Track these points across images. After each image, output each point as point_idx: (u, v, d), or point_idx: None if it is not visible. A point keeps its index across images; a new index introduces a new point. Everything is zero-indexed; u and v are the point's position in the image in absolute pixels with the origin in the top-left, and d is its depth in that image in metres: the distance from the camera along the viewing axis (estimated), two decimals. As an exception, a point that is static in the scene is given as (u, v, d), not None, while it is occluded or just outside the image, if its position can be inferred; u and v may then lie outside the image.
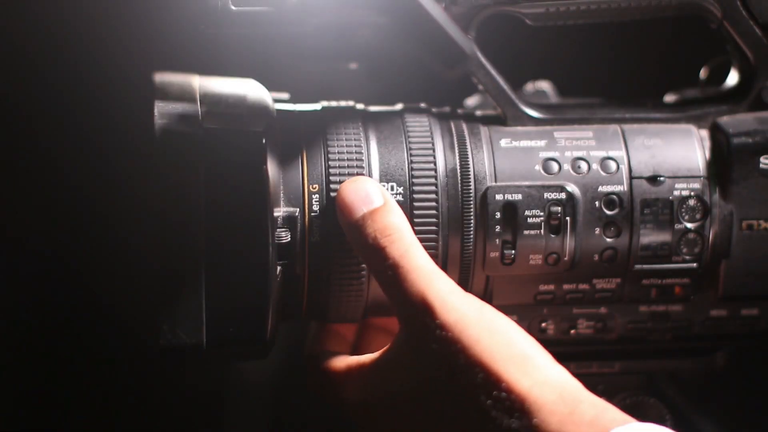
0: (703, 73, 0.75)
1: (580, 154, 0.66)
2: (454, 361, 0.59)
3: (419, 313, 0.60)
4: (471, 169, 0.66)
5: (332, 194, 0.64)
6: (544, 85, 0.76)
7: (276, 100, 0.68)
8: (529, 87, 0.76)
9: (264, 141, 0.61)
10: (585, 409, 0.56)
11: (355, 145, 0.65)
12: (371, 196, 0.63)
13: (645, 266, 0.66)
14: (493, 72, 0.67)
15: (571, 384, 0.58)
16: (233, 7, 0.62)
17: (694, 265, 0.67)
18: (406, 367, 0.61)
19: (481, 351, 0.58)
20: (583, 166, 0.66)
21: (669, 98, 0.75)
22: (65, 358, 0.90)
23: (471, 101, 0.77)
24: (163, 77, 0.66)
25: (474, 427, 0.58)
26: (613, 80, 0.93)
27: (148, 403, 0.90)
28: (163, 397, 0.90)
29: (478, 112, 0.70)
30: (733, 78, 0.72)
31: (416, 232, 0.64)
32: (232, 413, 0.94)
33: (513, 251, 0.65)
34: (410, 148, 0.66)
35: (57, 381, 0.90)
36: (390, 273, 0.61)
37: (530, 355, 0.59)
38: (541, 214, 0.65)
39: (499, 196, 0.65)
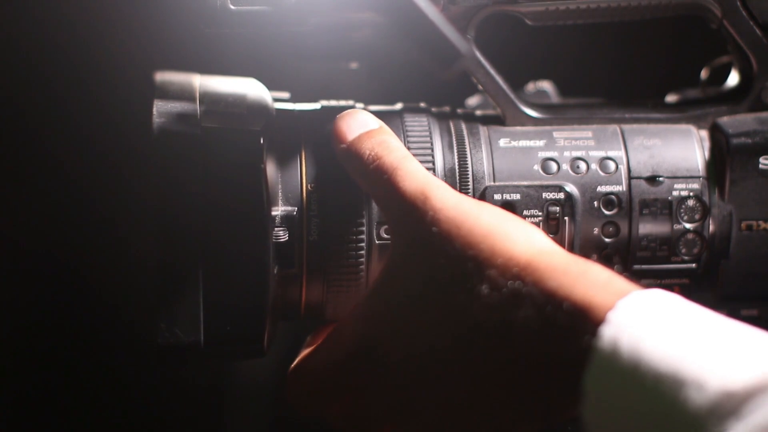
0: (704, 74, 0.75)
1: (579, 154, 0.66)
2: (456, 237, 0.57)
3: (418, 203, 0.59)
4: (469, 169, 0.66)
5: (330, 193, 0.64)
6: (546, 85, 0.76)
7: (276, 100, 0.68)
8: (531, 87, 0.76)
9: (262, 140, 0.61)
10: (598, 271, 0.55)
11: None
12: (367, 121, 0.64)
13: (644, 266, 0.66)
14: (492, 72, 0.67)
15: (574, 255, 0.57)
16: (232, 7, 0.62)
17: (693, 265, 0.67)
18: (408, 264, 0.59)
19: (484, 224, 0.58)
20: (582, 166, 0.66)
21: (670, 98, 0.74)
22: (64, 357, 0.90)
23: (472, 101, 0.77)
24: (163, 76, 0.66)
25: (485, 302, 0.56)
26: (614, 80, 0.93)
27: (148, 402, 0.90)
28: (163, 396, 0.90)
29: (478, 112, 0.70)
30: (733, 78, 0.72)
31: None
32: (232, 413, 0.94)
33: None
34: (409, 148, 0.66)
35: (55, 379, 0.90)
36: (386, 177, 0.61)
37: (531, 230, 0.59)
38: (540, 214, 0.65)
39: (497, 196, 0.65)
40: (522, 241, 0.57)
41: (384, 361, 0.60)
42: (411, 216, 0.60)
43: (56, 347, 0.89)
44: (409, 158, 0.62)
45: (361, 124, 0.64)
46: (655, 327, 0.50)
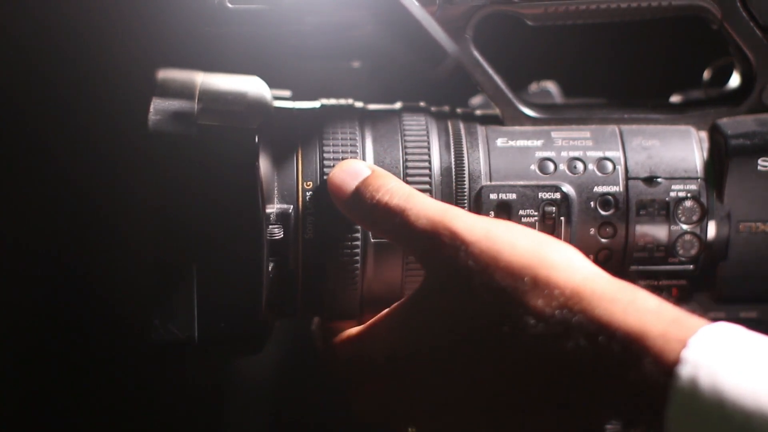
0: (706, 75, 0.75)
1: (576, 154, 0.66)
2: (495, 270, 0.57)
3: (443, 242, 0.58)
4: (466, 168, 0.66)
5: (326, 191, 0.64)
6: (549, 86, 0.76)
7: (276, 98, 0.69)
8: (534, 87, 0.76)
9: (257, 138, 0.62)
10: (645, 297, 0.55)
11: (351, 143, 0.66)
12: (359, 171, 0.63)
13: (641, 267, 0.66)
14: (491, 71, 0.67)
15: (618, 279, 0.56)
16: (230, 5, 0.62)
17: (691, 266, 0.66)
18: (443, 296, 0.59)
19: (521, 254, 0.57)
20: (579, 166, 0.66)
21: (674, 99, 0.74)
22: (58, 354, 0.90)
23: (475, 101, 0.77)
24: (166, 74, 0.67)
25: (531, 333, 0.55)
26: (616, 81, 0.92)
27: (146, 400, 0.90)
28: (162, 394, 0.90)
29: (478, 112, 0.70)
30: (734, 79, 0.71)
31: None
32: (232, 411, 0.94)
33: None
34: (405, 147, 0.66)
35: (49, 377, 0.91)
36: (398, 221, 0.60)
37: (570, 255, 0.58)
38: (536, 213, 0.65)
39: (493, 196, 0.65)
40: (564, 268, 0.57)
41: (416, 371, 0.60)
42: (440, 252, 0.59)
43: (50, 344, 0.89)
44: (414, 194, 0.61)
45: (353, 175, 0.63)
46: (732, 363, 0.50)
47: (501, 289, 0.57)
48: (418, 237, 0.60)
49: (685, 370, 0.51)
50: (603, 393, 0.54)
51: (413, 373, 0.60)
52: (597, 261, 0.66)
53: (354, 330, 0.64)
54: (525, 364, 0.56)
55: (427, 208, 0.60)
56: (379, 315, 0.63)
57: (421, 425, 0.61)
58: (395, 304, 0.62)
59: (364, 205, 0.62)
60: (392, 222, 0.61)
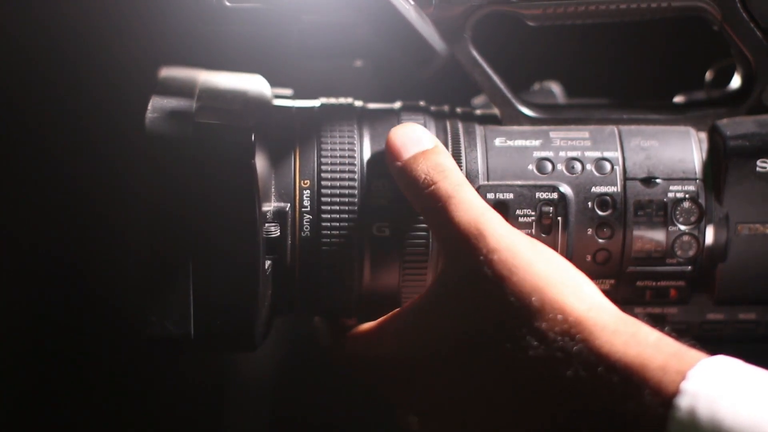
0: (708, 76, 0.75)
1: (574, 154, 0.66)
2: (507, 285, 0.57)
3: (471, 239, 0.59)
4: (463, 168, 0.66)
5: (323, 190, 0.65)
6: (553, 86, 0.76)
7: (277, 96, 0.69)
8: (537, 87, 0.76)
9: (253, 136, 0.62)
10: (647, 331, 0.55)
11: (348, 142, 0.66)
12: (422, 139, 0.64)
13: (639, 268, 0.66)
14: (489, 71, 0.67)
15: (622, 312, 0.57)
16: (228, 4, 0.63)
17: (689, 268, 0.66)
18: (455, 298, 0.59)
19: (535, 274, 0.57)
20: (577, 166, 0.66)
21: (677, 100, 0.74)
22: (54, 350, 0.91)
23: (478, 101, 0.77)
24: (168, 72, 0.67)
25: (532, 354, 0.56)
26: (618, 81, 0.92)
27: (145, 398, 0.91)
28: (161, 393, 0.90)
29: (477, 112, 0.70)
30: (735, 81, 0.71)
31: (407, 231, 0.64)
32: (231, 409, 0.94)
33: None
34: None
35: (45, 373, 0.91)
36: (441, 205, 0.61)
37: (581, 283, 0.59)
38: (533, 213, 0.65)
39: (490, 195, 0.65)
40: (573, 295, 0.57)
41: (423, 371, 0.60)
42: (463, 251, 0.59)
43: (46, 341, 0.90)
44: (465, 185, 0.62)
45: (415, 142, 0.64)
46: (731, 394, 0.51)
47: (509, 304, 0.57)
48: (450, 228, 0.60)
49: (684, 401, 0.51)
50: (601, 423, 0.54)
51: (418, 373, 0.61)
52: (595, 261, 0.66)
53: (366, 326, 0.65)
54: (524, 384, 0.57)
55: (470, 203, 0.61)
56: (391, 312, 0.63)
57: (421, 419, 0.62)
58: (409, 301, 0.63)
59: (415, 176, 0.62)
60: (435, 205, 0.61)
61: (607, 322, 0.56)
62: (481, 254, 0.58)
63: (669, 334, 0.56)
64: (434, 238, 0.64)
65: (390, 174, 0.65)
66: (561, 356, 0.55)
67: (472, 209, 0.60)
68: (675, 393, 0.52)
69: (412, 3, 0.57)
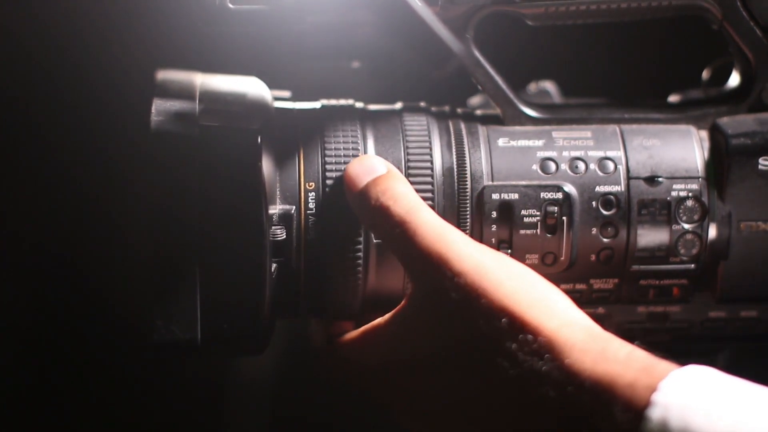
0: (705, 74, 0.75)
1: (577, 154, 0.66)
2: (476, 307, 0.57)
3: (434, 265, 0.59)
4: (468, 169, 0.66)
5: (328, 192, 0.64)
6: (548, 85, 0.76)
7: (277, 98, 0.69)
8: (533, 87, 0.76)
9: (259, 139, 0.62)
10: (617, 347, 0.55)
11: (352, 144, 0.66)
12: (374, 167, 0.63)
13: (642, 267, 0.66)
14: (492, 71, 0.67)
15: (595, 325, 0.57)
16: (231, 6, 0.62)
17: (692, 266, 0.66)
18: (425, 320, 0.59)
19: (503, 295, 0.57)
20: (581, 166, 0.66)
21: (673, 99, 0.74)
22: (60, 353, 0.90)
23: (474, 101, 0.77)
24: (165, 74, 0.67)
25: (502, 375, 0.56)
26: (616, 81, 0.92)
27: (147, 400, 0.90)
28: (162, 394, 0.90)
29: (478, 112, 0.70)
30: (734, 79, 0.71)
31: None
32: (232, 409, 0.94)
33: (509, 251, 0.65)
34: (407, 147, 0.66)
35: (51, 376, 0.91)
36: (397, 231, 0.60)
37: (553, 298, 0.58)
38: (538, 213, 0.65)
39: (495, 196, 0.65)
40: (543, 313, 0.57)
41: (401, 382, 0.61)
42: (429, 274, 0.59)
43: (52, 344, 0.89)
44: (417, 208, 0.61)
45: (368, 170, 0.63)
46: (703, 405, 0.51)
47: (477, 328, 0.57)
48: (411, 253, 0.60)
49: (656, 413, 0.51)
50: None
51: (398, 382, 0.61)
52: (599, 261, 0.66)
53: (352, 333, 0.64)
54: (494, 402, 0.57)
55: (426, 225, 0.60)
56: (374, 323, 0.63)
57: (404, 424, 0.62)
58: (387, 315, 0.63)
59: (368, 205, 0.62)
60: (391, 231, 0.61)
61: (576, 340, 0.55)
62: (446, 278, 0.58)
63: (641, 347, 0.56)
64: (401, 264, 0.63)
65: None
66: (531, 376, 0.55)
67: (430, 233, 0.60)
68: (646, 405, 0.51)
69: (420, 3, 0.57)
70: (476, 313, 0.57)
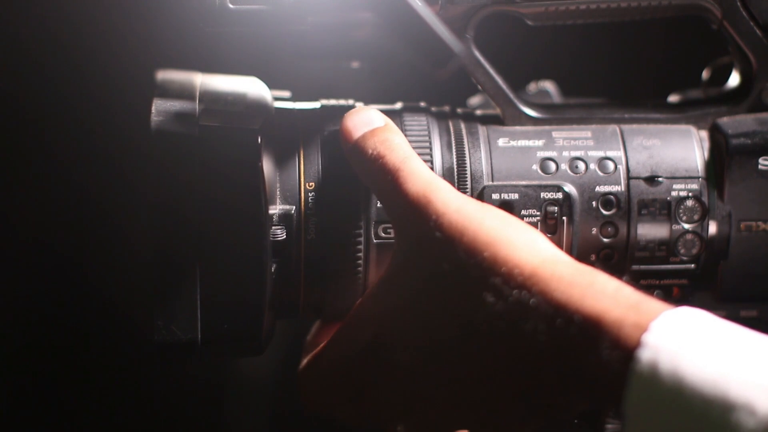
0: (705, 74, 0.75)
1: (577, 154, 0.66)
2: (458, 244, 0.57)
3: (420, 207, 0.59)
4: (468, 169, 0.66)
5: (328, 191, 0.64)
6: (548, 85, 0.76)
7: (276, 98, 0.69)
8: (532, 87, 0.76)
9: (259, 139, 0.62)
10: (604, 281, 0.55)
11: None
12: (373, 119, 0.64)
13: (642, 267, 0.66)
14: (492, 71, 0.68)
15: (579, 263, 0.57)
16: (231, 6, 0.62)
17: (692, 266, 0.67)
18: (409, 269, 0.59)
19: (486, 231, 0.57)
20: (581, 166, 0.66)
21: (672, 99, 0.74)
22: (61, 353, 0.90)
23: (474, 101, 0.77)
24: (165, 74, 0.67)
25: (489, 311, 0.56)
26: (615, 81, 0.93)
27: (147, 399, 0.90)
28: (162, 394, 0.90)
29: (478, 112, 0.70)
30: (734, 79, 0.71)
31: None
32: (232, 409, 0.94)
33: None
34: None
35: (52, 376, 0.91)
36: (389, 178, 0.61)
37: (536, 237, 0.58)
38: (538, 213, 0.65)
39: (495, 196, 0.65)
40: (526, 248, 0.57)
41: (392, 358, 0.60)
42: (413, 218, 0.60)
43: (53, 344, 0.89)
44: (412, 158, 0.62)
45: (366, 122, 0.64)
46: (694, 348, 0.50)
47: (462, 263, 0.57)
48: (399, 200, 0.60)
49: (645, 355, 0.50)
50: (563, 376, 0.54)
51: (387, 358, 0.60)
52: (599, 260, 0.66)
53: (328, 339, 0.64)
54: (484, 341, 0.56)
55: (416, 173, 0.61)
56: (357, 302, 0.63)
57: (405, 416, 0.61)
58: (369, 289, 0.62)
59: (364, 153, 0.62)
60: (383, 178, 0.61)
61: (563, 273, 0.55)
62: (431, 219, 0.59)
63: (629, 283, 0.55)
64: (385, 211, 0.64)
65: None
66: (518, 309, 0.55)
67: (420, 179, 0.60)
68: (636, 345, 0.51)
69: (421, 3, 0.57)
70: (459, 249, 0.57)
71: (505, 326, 0.55)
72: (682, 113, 0.69)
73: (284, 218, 0.64)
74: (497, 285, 0.56)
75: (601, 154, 0.66)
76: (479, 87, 0.68)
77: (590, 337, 0.52)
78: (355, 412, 0.62)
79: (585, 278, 0.55)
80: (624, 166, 0.66)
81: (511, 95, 0.68)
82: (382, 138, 0.63)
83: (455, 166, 0.66)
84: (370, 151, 0.62)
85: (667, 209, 0.66)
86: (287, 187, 0.64)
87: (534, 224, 0.65)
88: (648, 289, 0.67)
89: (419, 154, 0.66)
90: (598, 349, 0.52)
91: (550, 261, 0.57)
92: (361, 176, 0.64)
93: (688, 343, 0.50)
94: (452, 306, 0.57)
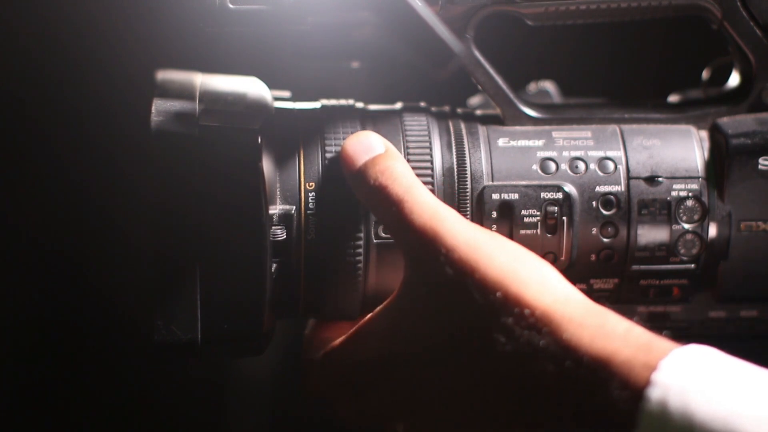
0: (705, 74, 0.75)
1: (577, 154, 0.66)
2: (470, 282, 0.57)
3: (428, 241, 0.59)
4: (468, 168, 0.66)
5: (328, 192, 0.64)
6: (548, 85, 0.76)
7: (276, 98, 0.69)
8: (532, 87, 0.76)
9: (260, 139, 0.62)
10: (615, 322, 0.55)
11: None
12: (373, 145, 0.63)
13: (642, 267, 0.66)
14: (492, 71, 0.68)
15: (591, 301, 0.57)
16: (231, 6, 0.62)
17: (692, 266, 0.67)
18: (420, 301, 0.59)
19: (497, 268, 0.57)
20: (581, 166, 0.66)
21: (672, 99, 0.74)
22: (60, 353, 0.90)
23: (474, 101, 0.77)
24: (165, 75, 0.67)
25: (499, 350, 0.56)
26: (615, 81, 0.93)
27: (147, 399, 0.90)
28: (163, 394, 0.90)
29: (478, 112, 0.70)
30: (734, 79, 0.71)
31: None
32: (232, 409, 0.94)
33: None
34: (407, 147, 0.66)
35: (52, 376, 0.91)
36: (394, 209, 0.60)
37: (547, 274, 0.58)
38: (538, 213, 0.65)
39: (495, 196, 0.65)
40: (537, 287, 0.57)
41: (396, 376, 0.60)
42: (422, 251, 0.59)
43: (53, 344, 0.89)
44: (415, 187, 0.61)
45: (366, 149, 0.63)
46: (703, 386, 0.50)
47: (473, 301, 0.57)
48: (406, 232, 0.60)
49: (655, 393, 0.51)
50: (571, 417, 0.54)
51: (398, 373, 0.60)
52: (599, 260, 0.66)
53: (349, 333, 0.64)
54: (493, 380, 0.56)
55: (422, 204, 0.60)
56: (365, 319, 0.63)
57: (406, 424, 0.61)
58: (379, 307, 0.62)
59: (366, 184, 0.62)
60: (388, 210, 0.61)
61: (573, 314, 0.55)
62: (441, 254, 0.58)
63: (639, 323, 0.55)
64: (394, 243, 0.63)
65: None
66: (528, 351, 0.55)
67: (426, 210, 0.60)
68: (645, 384, 0.51)
69: (421, 3, 0.57)
70: (471, 287, 0.57)
71: (513, 365, 0.55)
72: (682, 113, 0.69)
73: (284, 218, 0.64)
74: (508, 326, 0.56)
75: (601, 154, 0.66)
76: (479, 87, 0.68)
77: (600, 377, 0.53)
78: (357, 410, 0.62)
79: (595, 319, 0.55)
80: (624, 166, 0.66)
81: (511, 95, 0.68)
82: (382, 167, 0.62)
83: (455, 166, 0.66)
84: (372, 182, 0.62)
85: (667, 209, 0.66)
86: (287, 187, 0.64)
87: (534, 224, 0.65)
88: (648, 289, 0.67)
89: (419, 154, 0.66)
90: (608, 389, 0.52)
91: (561, 300, 0.56)
92: (366, 206, 0.64)
93: (697, 380, 0.50)
94: (461, 342, 0.57)
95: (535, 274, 0.58)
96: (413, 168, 0.65)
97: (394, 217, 0.61)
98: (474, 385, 0.57)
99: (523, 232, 0.65)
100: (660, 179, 0.66)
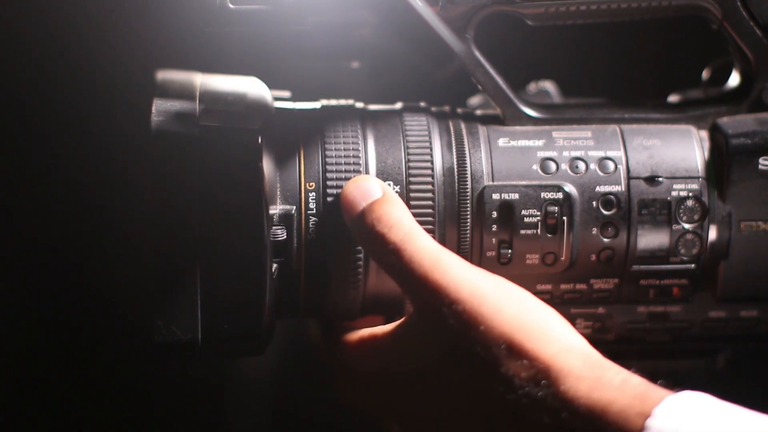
0: (705, 74, 0.75)
1: (578, 154, 0.66)
2: (473, 335, 0.58)
3: (431, 293, 0.59)
4: (468, 168, 0.66)
5: (329, 191, 0.64)
6: (548, 85, 0.76)
7: (276, 99, 0.69)
8: (532, 87, 0.76)
9: (260, 139, 0.62)
10: (612, 374, 0.56)
11: (353, 144, 0.66)
12: (370, 191, 0.63)
13: (642, 267, 0.66)
14: (492, 72, 0.68)
15: (593, 351, 0.58)
16: (231, 6, 0.62)
17: (692, 266, 0.67)
18: (422, 342, 0.60)
19: (501, 322, 0.58)
20: (581, 166, 0.66)
21: (672, 99, 0.74)
22: (61, 354, 0.90)
23: (474, 101, 0.77)
24: (165, 75, 0.67)
25: (498, 399, 0.57)
26: (615, 81, 0.93)
27: (147, 399, 0.90)
28: (162, 394, 0.90)
29: (478, 112, 0.70)
30: (734, 79, 0.72)
31: None
32: (232, 409, 0.94)
33: (510, 251, 0.65)
34: (408, 147, 0.66)
35: (52, 376, 0.91)
36: (393, 258, 0.61)
37: (551, 324, 0.59)
38: (538, 213, 0.65)
39: (495, 196, 0.65)
40: (542, 338, 0.57)
41: (398, 392, 0.61)
42: (425, 302, 0.60)
43: (53, 344, 0.89)
44: (413, 234, 0.62)
45: (363, 195, 0.63)
46: (695, 430, 0.51)
47: (475, 354, 0.58)
48: (408, 281, 0.61)
49: None
50: None
51: (397, 393, 0.61)
52: (599, 260, 0.66)
53: (352, 337, 0.65)
54: (489, 428, 0.57)
55: (422, 252, 0.61)
56: (372, 330, 0.64)
57: (405, 422, 0.63)
58: (387, 326, 0.63)
59: (364, 231, 0.62)
60: (388, 259, 0.61)
61: (572, 367, 0.56)
62: (444, 305, 0.59)
63: (637, 373, 0.56)
64: (400, 289, 0.63)
65: (396, 176, 0.65)
66: (526, 402, 0.56)
67: (426, 259, 0.60)
68: (639, 431, 0.52)
69: (421, 3, 0.57)
70: (474, 340, 0.58)
71: (509, 414, 0.56)
72: (682, 113, 0.69)
73: (284, 218, 0.64)
74: (508, 377, 0.57)
75: (601, 154, 0.66)
76: (479, 87, 0.68)
77: (595, 427, 0.54)
78: (363, 398, 0.64)
79: (594, 371, 0.56)
80: (624, 166, 0.66)
81: (511, 95, 0.68)
82: (378, 214, 0.62)
83: (455, 166, 0.66)
84: (369, 229, 0.62)
85: (667, 209, 0.66)
86: (287, 187, 0.64)
87: (534, 224, 0.65)
88: (648, 289, 0.67)
89: (419, 154, 0.66)
90: None
91: (564, 351, 0.57)
92: (364, 250, 0.64)
93: (690, 425, 0.51)
94: (461, 387, 0.58)
95: (540, 324, 0.58)
96: (413, 168, 0.65)
97: (395, 265, 0.61)
98: (469, 422, 0.58)
99: (523, 232, 0.65)
100: (660, 179, 0.66)
